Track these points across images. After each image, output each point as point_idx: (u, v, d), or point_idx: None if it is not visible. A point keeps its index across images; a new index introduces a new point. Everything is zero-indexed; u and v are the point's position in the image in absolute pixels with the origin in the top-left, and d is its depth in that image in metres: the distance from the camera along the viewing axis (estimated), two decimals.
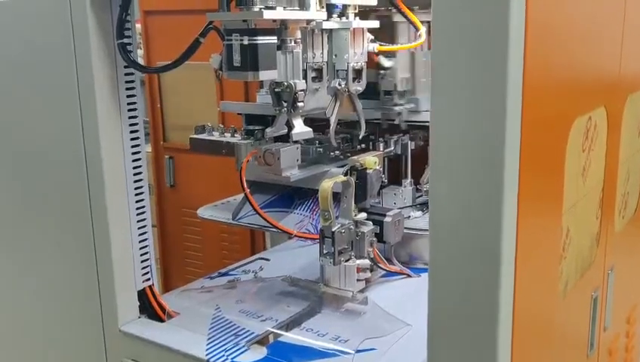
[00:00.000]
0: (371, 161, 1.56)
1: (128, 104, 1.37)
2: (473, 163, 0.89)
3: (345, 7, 1.44)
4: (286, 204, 1.85)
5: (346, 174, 1.54)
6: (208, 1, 1.35)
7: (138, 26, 2.96)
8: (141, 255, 1.43)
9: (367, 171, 1.55)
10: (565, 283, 1.17)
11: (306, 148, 1.77)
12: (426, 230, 1.63)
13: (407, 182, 1.76)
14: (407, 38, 1.68)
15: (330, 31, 1.46)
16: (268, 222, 1.70)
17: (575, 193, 1.16)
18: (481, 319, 0.90)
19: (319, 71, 1.47)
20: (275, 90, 1.37)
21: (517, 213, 0.89)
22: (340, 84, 1.46)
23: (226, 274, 1.74)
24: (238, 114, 2.17)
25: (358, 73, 1.49)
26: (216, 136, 1.99)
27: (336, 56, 1.46)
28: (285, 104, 1.37)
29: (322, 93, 1.48)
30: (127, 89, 1.37)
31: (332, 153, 1.85)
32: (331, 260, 1.45)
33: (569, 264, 1.18)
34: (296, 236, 1.74)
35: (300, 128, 1.41)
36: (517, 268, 0.90)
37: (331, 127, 1.49)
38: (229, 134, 1.96)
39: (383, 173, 1.65)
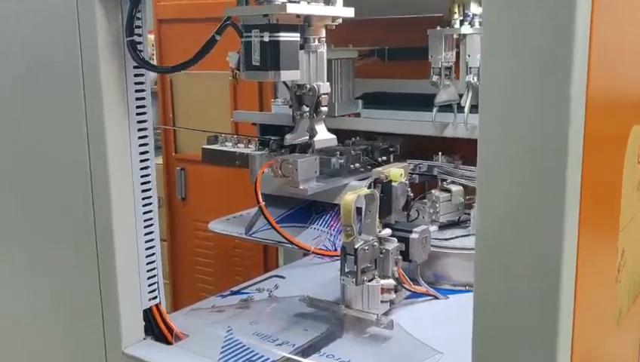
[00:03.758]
0: (397, 173, 1.46)
1: (137, 107, 1.27)
2: (530, 184, 0.79)
3: (474, 15, 1.68)
4: (302, 218, 1.77)
5: (369, 187, 1.43)
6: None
7: (151, 37, 2.92)
8: (148, 271, 1.33)
9: (393, 184, 1.45)
10: (620, 309, 1.06)
11: (325, 159, 1.69)
12: (453, 248, 1.58)
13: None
14: None
15: (465, 35, 1.69)
16: (284, 237, 1.61)
17: (630, 209, 1.05)
18: (537, 352, 0.79)
19: (449, 69, 1.70)
20: (297, 92, 1.27)
21: (577, 235, 0.79)
22: (473, 79, 1.66)
23: (238, 292, 1.63)
24: (253, 124, 2.12)
25: None
26: (229, 146, 1.95)
27: (469, 56, 1.68)
28: (307, 108, 1.28)
29: (451, 89, 1.71)
30: (137, 91, 1.27)
31: (352, 165, 1.77)
32: (353, 279, 1.35)
33: (623, 288, 1.06)
34: (313, 252, 1.65)
35: (323, 135, 1.31)
36: (577, 296, 0.79)
37: (465, 115, 1.67)
38: (243, 145, 1.90)
39: (409, 187, 1.55)
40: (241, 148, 1.92)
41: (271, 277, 1.75)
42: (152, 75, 3.42)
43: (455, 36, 1.69)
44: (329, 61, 1.49)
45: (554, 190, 0.77)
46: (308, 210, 1.79)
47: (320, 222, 1.75)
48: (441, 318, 1.42)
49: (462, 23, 1.68)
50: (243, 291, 1.64)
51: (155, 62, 2.96)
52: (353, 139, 1.88)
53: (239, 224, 1.84)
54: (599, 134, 0.85)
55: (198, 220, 2.71)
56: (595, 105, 0.80)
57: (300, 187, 1.57)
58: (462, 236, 1.62)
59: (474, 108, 1.67)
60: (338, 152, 1.72)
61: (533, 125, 0.78)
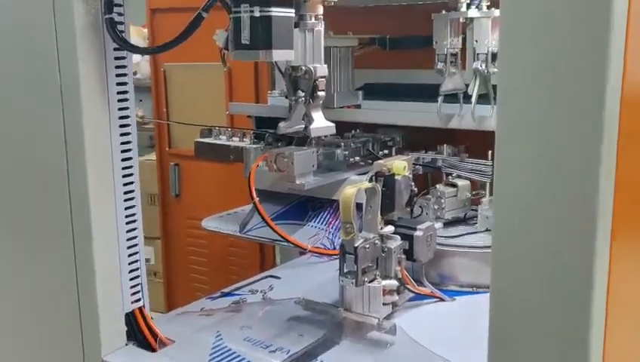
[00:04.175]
0: (400, 165, 1.37)
1: (118, 93, 1.19)
2: (558, 184, 0.73)
3: None
4: (299, 215, 1.69)
5: (370, 181, 1.34)
6: None
7: (145, 30, 2.84)
8: (130, 271, 1.25)
9: (396, 177, 1.36)
10: None
11: (326, 151, 1.61)
12: (460, 246, 1.50)
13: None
14: None
15: (472, 19, 1.59)
16: (279, 235, 1.53)
17: None
18: None
19: (455, 56, 1.62)
20: (292, 75, 1.18)
21: (610, 235, 0.72)
22: (481, 66, 1.57)
23: (230, 294, 1.56)
24: (248, 116, 2.05)
25: (494, 56, 1.61)
26: (223, 140, 1.87)
27: (477, 41, 1.58)
28: (303, 93, 1.18)
29: (457, 77, 1.62)
30: (118, 75, 1.19)
31: (351, 159, 1.69)
32: (353, 280, 1.26)
33: None
34: (310, 251, 1.57)
35: (320, 122, 1.21)
36: (608, 303, 0.71)
37: (472, 105, 1.59)
38: (238, 138, 1.82)
39: (413, 181, 1.46)
40: (235, 142, 1.84)
41: (265, 277, 1.69)
42: (145, 70, 3.33)
43: (461, 20, 1.60)
44: (327, 49, 1.41)
45: (588, 190, 0.71)
46: (304, 207, 1.72)
47: (317, 220, 1.68)
48: (447, 322, 1.35)
49: (469, 6, 1.58)
50: (235, 293, 1.57)
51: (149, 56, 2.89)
52: (353, 131, 1.81)
53: (234, 221, 1.77)
54: (633, 131, 0.77)
55: (192, 217, 2.64)
56: (632, 99, 0.73)
57: (297, 182, 1.50)
58: (469, 234, 1.53)
59: (481, 97, 1.58)
60: (339, 144, 1.64)
61: (561, 123, 0.73)
